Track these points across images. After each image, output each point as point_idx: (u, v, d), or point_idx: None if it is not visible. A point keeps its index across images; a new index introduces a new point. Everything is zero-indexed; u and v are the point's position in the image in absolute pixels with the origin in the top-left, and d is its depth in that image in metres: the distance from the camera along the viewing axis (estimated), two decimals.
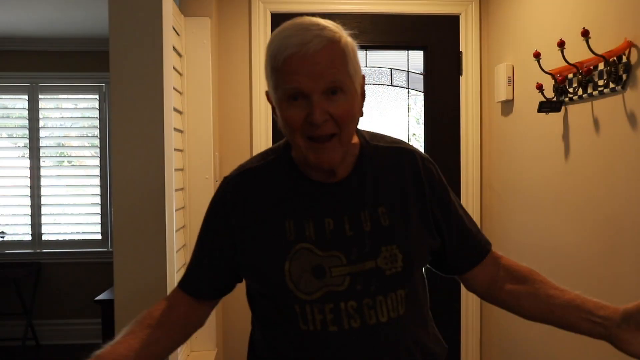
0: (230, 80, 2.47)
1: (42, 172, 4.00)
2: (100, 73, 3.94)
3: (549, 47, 1.79)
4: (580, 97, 1.69)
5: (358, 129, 1.04)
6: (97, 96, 4.05)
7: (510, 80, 2.23)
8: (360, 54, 2.62)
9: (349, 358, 0.93)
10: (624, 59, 1.47)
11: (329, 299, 0.93)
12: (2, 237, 4.04)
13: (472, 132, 2.55)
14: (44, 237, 4.03)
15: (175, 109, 1.83)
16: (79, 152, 4.09)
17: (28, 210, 4.00)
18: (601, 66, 1.57)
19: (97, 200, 4.03)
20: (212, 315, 2.14)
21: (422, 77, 2.59)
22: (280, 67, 0.89)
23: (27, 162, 3.99)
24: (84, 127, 4.06)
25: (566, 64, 1.68)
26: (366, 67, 2.57)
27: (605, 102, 1.58)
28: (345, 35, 0.93)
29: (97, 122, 4.04)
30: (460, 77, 2.56)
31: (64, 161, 4.08)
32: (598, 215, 1.62)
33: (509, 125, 2.29)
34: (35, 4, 3.13)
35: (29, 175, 3.98)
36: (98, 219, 4.05)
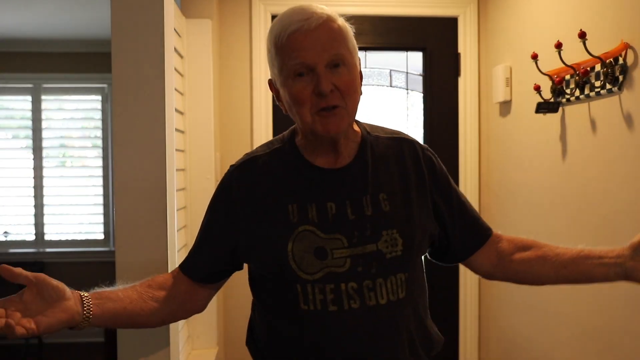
0: (231, 81, 2.49)
1: (45, 172, 4.02)
2: (103, 74, 3.96)
3: (547, 49, 1.81)
4: (577, 98, 1.71)
5: (358, 120, 1.08)
6: (99, 97, 4.07)
7: (508, 82, 2.25)
8: (360, 55, 2.64)
9: (347, 338, 0.96)
10: (621, 61, 1.48)
11: (330, 280, 0.96)
12: (6, 237, 4.06)
13: (470, 133, 2.57)
14: (47, 237, 4.06)
15: (176, 110, 1.85)
16: (81, 152, 4.11)
17: (31, 210, 4.02)
18: (598, 67, 1.58)
19: (100, 200, 4.06)
20: (214, 313, 2.16)
21: (421, 78, 2.61)
22: (285, 43, 0.94)
23: (30, 163, 4.01)
24: (86, 127, 4.09)
25: (563, 66, 1.69)
26: (366, 68, 2.58)
27: (602, 103, 1.59)
28: (341, 19, 0.99)
29: (99, 123, 4.07)
30: (459, 79, 2.57)
31: (66, 161, 4.11)
32: (595, 215, 1.63)
33: (507, 126, 2.30)
34: (38, 6, 3.15)
35: (32, 176, 4.01)
36: (100, 218, 4.08)
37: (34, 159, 4.01)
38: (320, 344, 0.97)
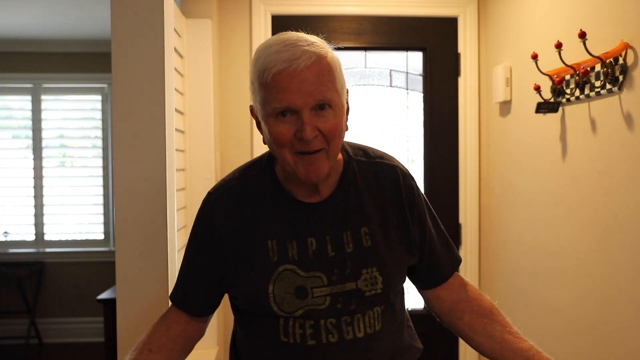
0: (231, 81, 2.49)
1: (45, 172, 4.02)
2: (103, 74, 3.96)
3: (547, 49, 1.81)
4: (577, 98, 1.71)
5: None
6: (99, 97, 4.07)
7: (508, 82, 2.25)
8: (360, 55, 2.66)
9: None
10: (621, 61, 1.48)
11: (310, 316, 0.96)
12: (6, 237, 4.06)
13: (470, 133, 2.57)
14: (47, 237, 4.06)
15: (176, 110, 1.85)
16: (81, 152, 4.11)
17: (31, 210, 4.03)
18: (598, 67, 1.58)
19: (100, 200, 4.06)
20: (214, 313, 2.16)
21: (421, 78, 2.61)
22: (270, 82, 0.89)
23: (30, 163, 4.01)
24: (86, 128, 4.09)
25: (563, 66, 1.69)
26: (365, 68, 2.58)
27: (602, 103, 1.59)
28: (331, 51, 0.94)
29: (99, 123, 4.07)
30: (459, 79, 2.57)
31: (66, 161, 4.11)
32: (595, 215, 1.63)
33: (507, 126, 2.30)
34: (39, 6, 3.15)
35: (32, 176, 4.01)
36: (100, 218, 4.08)
37: (34, 159, 4.01)
38: None
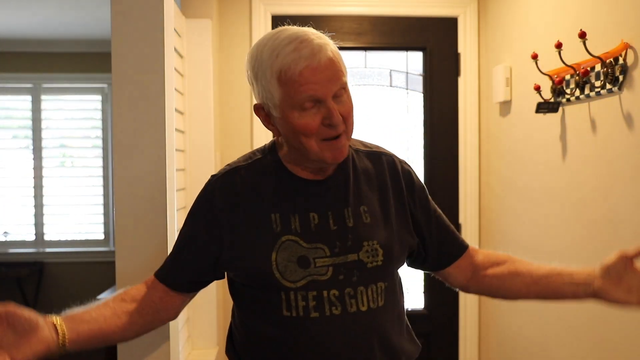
0: (231, 81, 2.49)
1: (45, 172, 4.03)
2: (102, 74, 3.97)
3: (547, 49, 1.81)
4: (577, 98, 1.71)
5: None
6: (99, 97, 4.08)
7: (508, 82, 2.25)
8: (360, 55, 2.66)
9: (328, 342, 0.98)
10: (621, 61, 1.48)
11: (313, 287, 0.98)
12: (6, 237, 4.07)
13: (470, 133, 2.57)
14: (47, 237, 4.06)
15: (176, 110, 1.85)
16: (81, 152, 4.11)
17: (31, 210, 4.03)
18: (598, 67, 1.58)
19: (100, 200, 4.06)
20: (214, 313, 2.16)
21: (421, 78, 2.61)
22: (296, 79, 0.93)
23: (30, 163, 4.02)
24: (86, 128, 4.09)
25: (563, 66, 1.69)
26: (366, 68, 2.58)
27: (602, 103, 1.60)
28: (331, 42, 1.00)
29: (99, 123, 4.07)
30: (459, 78, 2.57)
31: (66, 161, 4.11)
32: (595, 215, 1.63)
33: (507, 126, 2.30)
34: (38, 6, 3.15)
35: (32, 176, 4.01)
36: (100, 218, 4.08)
37: (34, 159, 4.01)
38: (300, 348, 0.98)
